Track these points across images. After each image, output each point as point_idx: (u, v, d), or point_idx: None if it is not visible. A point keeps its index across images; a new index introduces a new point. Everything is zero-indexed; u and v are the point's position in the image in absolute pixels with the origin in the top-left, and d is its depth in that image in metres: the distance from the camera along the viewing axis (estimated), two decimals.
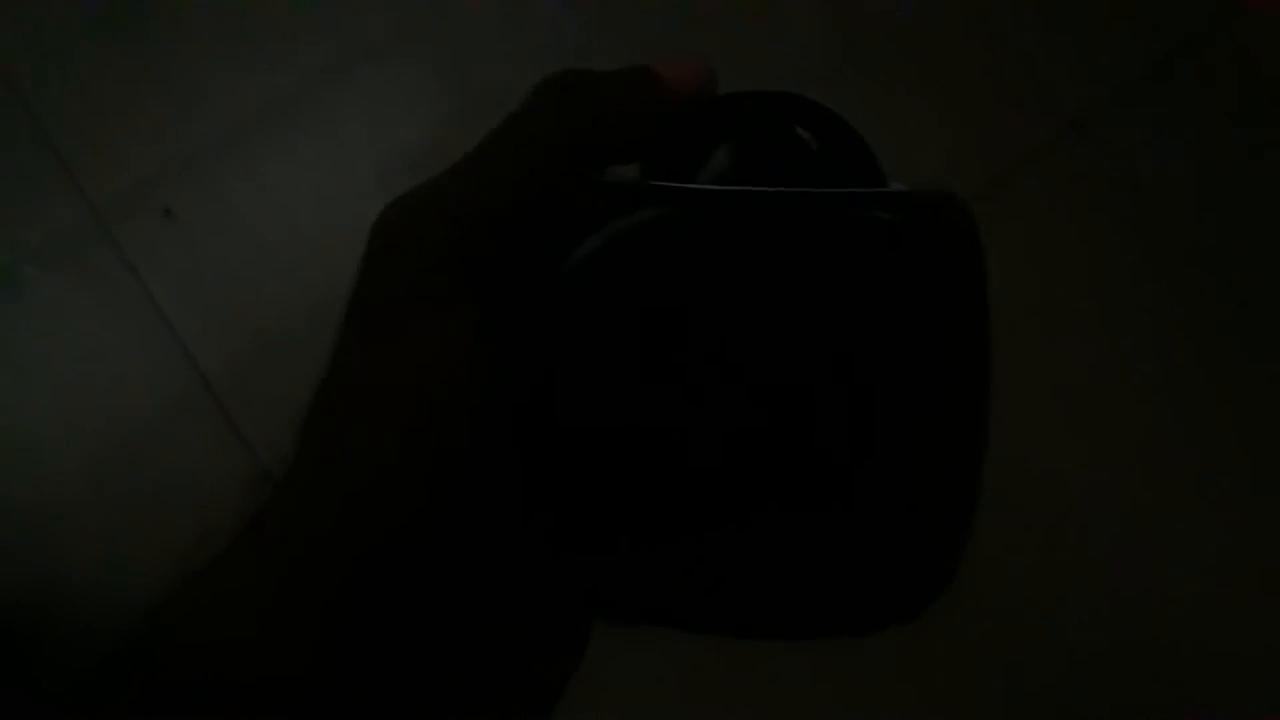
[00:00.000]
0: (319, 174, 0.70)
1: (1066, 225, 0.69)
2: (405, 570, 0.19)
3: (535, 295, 0.21)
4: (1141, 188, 0.70)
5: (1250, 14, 0.73)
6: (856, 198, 0.22)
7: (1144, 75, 0.72)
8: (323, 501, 0.19)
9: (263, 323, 0.66)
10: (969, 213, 0.22)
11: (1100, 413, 0.66)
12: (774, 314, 0.21)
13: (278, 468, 0.20)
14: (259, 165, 0.70)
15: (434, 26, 0.73)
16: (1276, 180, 0.70)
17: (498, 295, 0.20)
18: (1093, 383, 0.67)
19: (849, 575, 0.21)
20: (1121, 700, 0.63)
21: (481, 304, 0.20)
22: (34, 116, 0.71)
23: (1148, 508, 0.65)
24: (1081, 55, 0.72)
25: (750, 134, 0.24)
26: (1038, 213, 0.70)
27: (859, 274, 0.21)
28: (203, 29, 0.73)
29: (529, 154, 0.20)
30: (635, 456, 0.21)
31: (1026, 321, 0.68)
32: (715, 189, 0.22)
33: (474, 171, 0.20)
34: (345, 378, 0.20)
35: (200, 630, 0.19)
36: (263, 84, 0.72)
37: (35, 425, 0.67)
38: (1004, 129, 0.71)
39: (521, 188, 0.20)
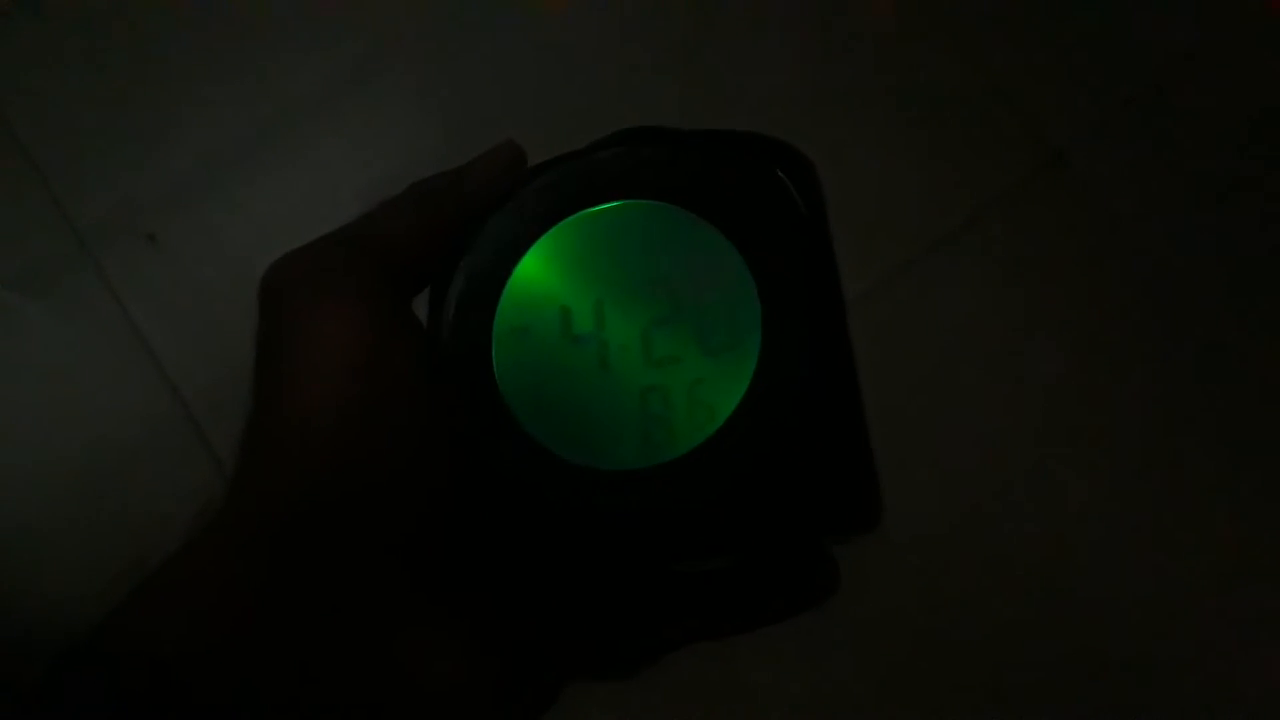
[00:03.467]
0: (302, 200, 0.70)
1: (1049, 257, 0.70)
2: (349, 550, 0.20)
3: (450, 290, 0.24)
4: (1124, 220, 0.71)
5: (1232, 44, 0.74)
6: (724, 138, 0.25)
7: (1126, 107, 0.73)
8: (270, 502, 0.21)
9: (243, 349, 0.66)
10: (801, 152, 0.24)
11: (1081, 437, 0.67)
12: (669, 225, 0.23)
13: (231, 465, 0.22)
14: (242, 191, 0.71)
15: (418, 53, 0.73)
16: (1259, 212, 0.71)
17: (381, 300, 0.23)
18: (1074, 408, 0.67)
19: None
20: (1108, 700, 0.63)
21: (370, 304, 0.22)
22: (19, 142, 0.71)
23: (1125, 521, 0.65)
24: (1064, 87, 0.73)
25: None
26: (1020, 244, 0.70)
27: (735, 188, 0.23)
28: (187, 55, 0.73)
29: (391, 212, 0.24)
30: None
31: (1009, 349, 0.68)
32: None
33: (345, 227, 0.24)
34: (268, 395, 0.22)
35: (152, 629, 0.20)
36: (246, 110, 0.72)
37: (15, 448, 0.67)
38: (986, 161, 0.72)
39: (387, 229, 0.24)
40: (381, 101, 0.73)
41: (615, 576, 0.23)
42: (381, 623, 0.21)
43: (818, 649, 0.63)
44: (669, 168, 0.23)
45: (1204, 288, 0.69)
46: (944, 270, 0.69)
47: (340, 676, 0.20)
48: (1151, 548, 0.65)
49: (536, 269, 0.23)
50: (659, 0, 0.74)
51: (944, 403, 0.66)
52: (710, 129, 0.25)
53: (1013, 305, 0.69)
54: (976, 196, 0.71)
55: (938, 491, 0.65)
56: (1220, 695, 0.63)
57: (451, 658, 0.21)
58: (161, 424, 0.66)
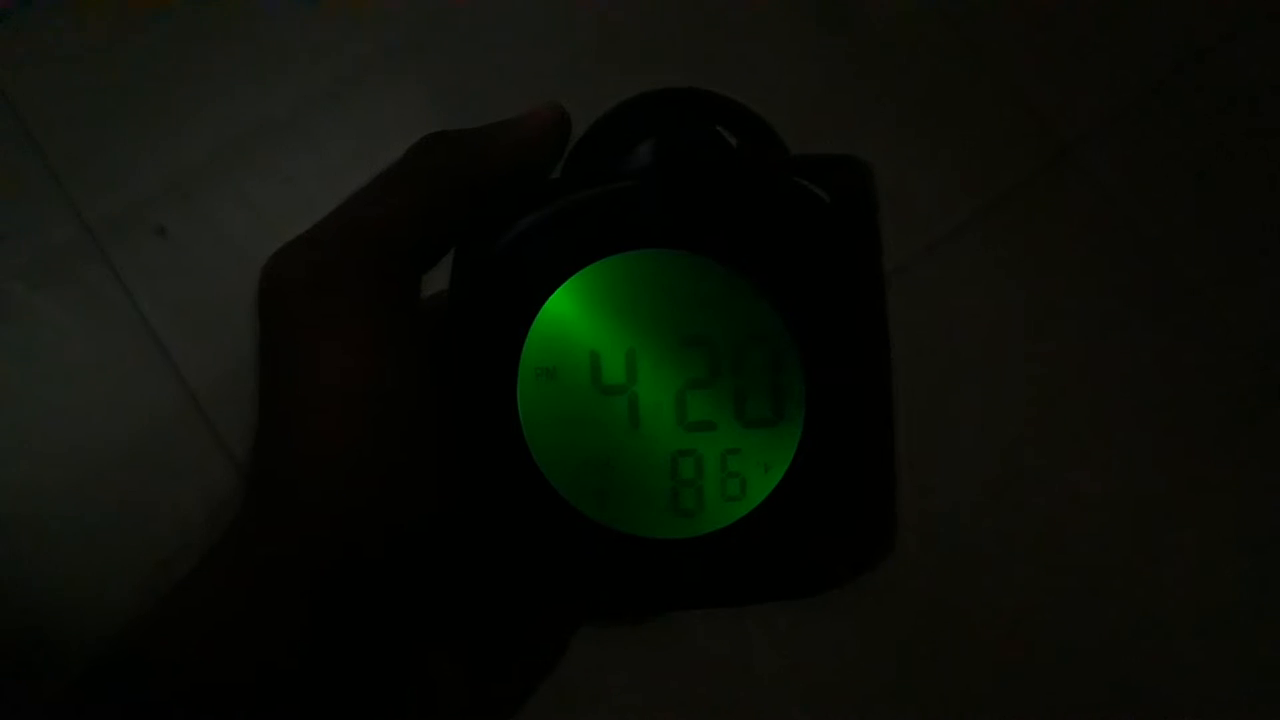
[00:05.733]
0: (311, 194, 0.70)
1: (1055, 252, 0.70)
2: (364, 573, 0.20)
3: (468, 282, 0.22)
4: (1129, 216, 0.71)
5: (1242, 45, 0.74)
6: (777, 167, 0.23)
7: (1133, 104, 0.73)
8: (279, 520, 0.20)
9: (252, 342, 0.67)
10: (870, 172, 0.23)
11: (1085, 432, 0.67)
12: (713, 283, 0.21)
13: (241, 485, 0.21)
14: (252, 185, 0.71)
15: (427, 47, 0.74)
16: (1263, 208, 0.71)
17: (389, 304, 0.21)
18: (1079, 404, 0.67)
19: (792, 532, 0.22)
20: (1102, 699, 0.63)
21: (377, 314, 0.21)
22: (30, 134, 0.71)
23: (1130, 517, 0.65)
24: (1071, 84, 0.73)
25: (668, 130, 0.25)
26: (1027, 240, 0.70)
27: (784, 244, 0.22)
28: (198, 49, 0.73)
29: (398, 190, 0.22)
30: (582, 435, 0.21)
31: (1014, 344, 0.68)
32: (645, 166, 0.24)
33: (348, 210, 0.22)
34: (275, 414, 0.21)
35: (178, 638, 0.20)
36: (256, 104, 0.72)
37: (25, 442, 0.67)
38: (994, 157, 0.72)
39: (391, 216, 0.22)
40: (389, 96, 0.73)
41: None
42: (392, 643, 0.21)
43: (822, 624, 0.63)
44: (723, 218, 0.22)
45: (1210, 285, 0.69)
46: (950, 266, 0.69)
47: (354, 694, 0.21)
48: (1154, 541, 0.65)
49: (568, 306, 0.21)
50: (665, 0, 0.74)
51: (949, 398, 0.67)
52: (767, 152, 0.24)
53: (1018, 301, 0.69)
54: (983, 193, 0.71)
55: (942, 483, 0.65)
56: (1216, 686, 0.63)
57: (460, 673, 0.22)
58: (171, 416, 0.67)
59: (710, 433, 0.21)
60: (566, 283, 0.21)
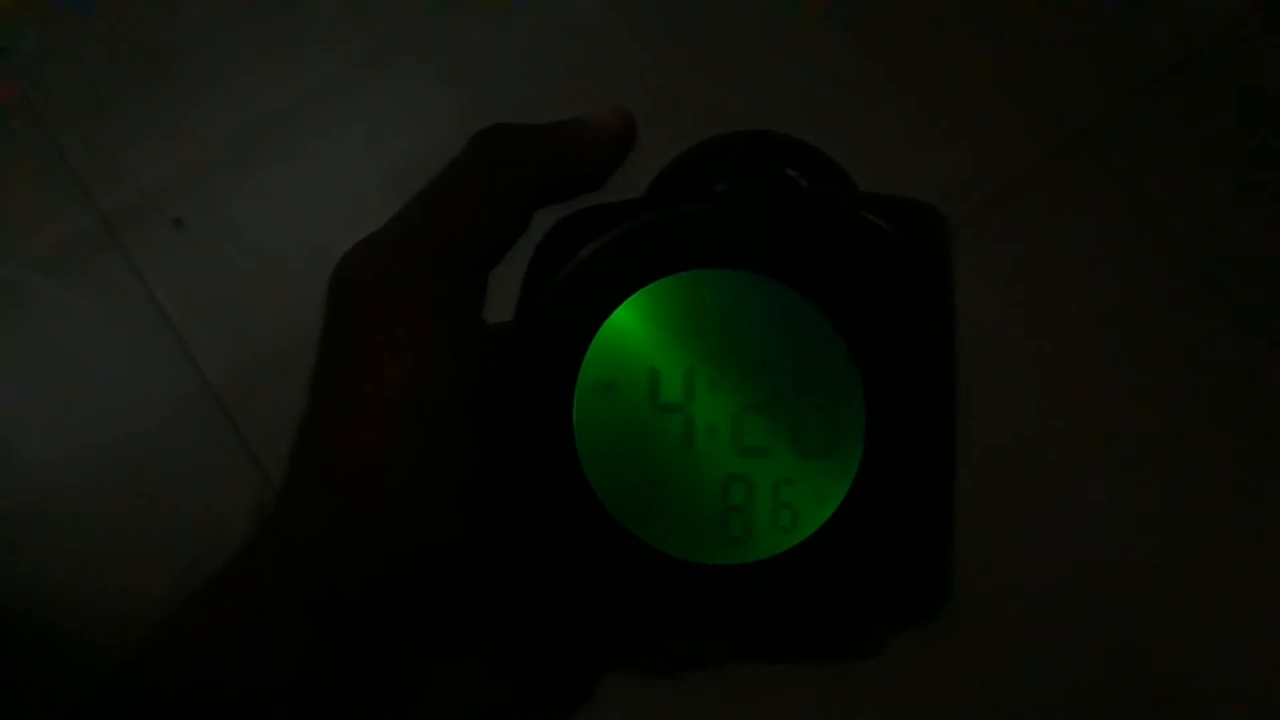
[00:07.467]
0: (327, 184, 0.70)
1: (1070, 235, 0.70)
2: (389, 592, 0.20)
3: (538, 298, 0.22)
4: (1143, 198, 0.70)
5: (1254, 28, 0.73)
6: (849, 203, 0.23)
7: (1147, 88, 0.72)
8: (312, 527, 0.20)
9: (269, 332, 0.67)
10: (944, 219, 0.23)
11: (1101, 420, 0.67)
12: (779, 308, 0.21)
13: (281, 476, 0.21)
14: (268, 176, 0.71)
15: (440, 37, 0.74)
16: (1278, 192, 0.70)
17: (453, 312, 0.21)
18: (1095, 387, 0.67)
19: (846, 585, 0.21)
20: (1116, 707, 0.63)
21: (440, 323, 0.21)
22: (47, 127, 0.72)
23: (1143, 510, 0.65)
24: (1085, 68, 0.73)
25: (741, 172, 0.24)
26: (1042, 222, 0.70)
27: (853, 274, 0.21)
28: (214, 43, 0.74)
29: (465, 189, 0.22)
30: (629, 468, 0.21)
31: (1030, 326, 0.68)
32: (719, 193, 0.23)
33: (415, 210, 0.22)
34: (320, 412, 0.21)
35: (201, 644, 0.20)
36: (272, 96, 0.73)
37: (41, 433, 0.68)
38: (1009, 141, 0.71)
39: (458, 217, 0.21)
40: (403, 87, 0.73)
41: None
42: (410, 658, 0.21)
43: None
44: (795, 245, 0.21)
45: (1228, 268, 0.69)
46: (963, 252, 0.69)
47: (368, 707, 0.21)
48: (1162, 539, 0.65)
49: (633, 321, 0.21)
50: None
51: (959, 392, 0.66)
52: (840, 190, 0.24)
53: (1035, 280, 0.69)
54: (998, 177, 0.70)
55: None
56: (1219, 688, 0.63)
57: (479, 688, 0.22)
58: (188, 406, 0.67)
59: (764, 459, 0.21)
60: (633, 298, 0.21)
